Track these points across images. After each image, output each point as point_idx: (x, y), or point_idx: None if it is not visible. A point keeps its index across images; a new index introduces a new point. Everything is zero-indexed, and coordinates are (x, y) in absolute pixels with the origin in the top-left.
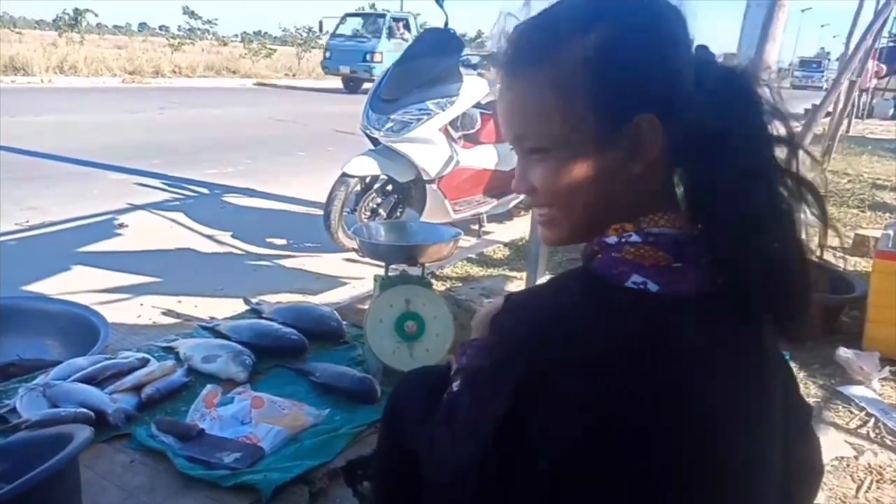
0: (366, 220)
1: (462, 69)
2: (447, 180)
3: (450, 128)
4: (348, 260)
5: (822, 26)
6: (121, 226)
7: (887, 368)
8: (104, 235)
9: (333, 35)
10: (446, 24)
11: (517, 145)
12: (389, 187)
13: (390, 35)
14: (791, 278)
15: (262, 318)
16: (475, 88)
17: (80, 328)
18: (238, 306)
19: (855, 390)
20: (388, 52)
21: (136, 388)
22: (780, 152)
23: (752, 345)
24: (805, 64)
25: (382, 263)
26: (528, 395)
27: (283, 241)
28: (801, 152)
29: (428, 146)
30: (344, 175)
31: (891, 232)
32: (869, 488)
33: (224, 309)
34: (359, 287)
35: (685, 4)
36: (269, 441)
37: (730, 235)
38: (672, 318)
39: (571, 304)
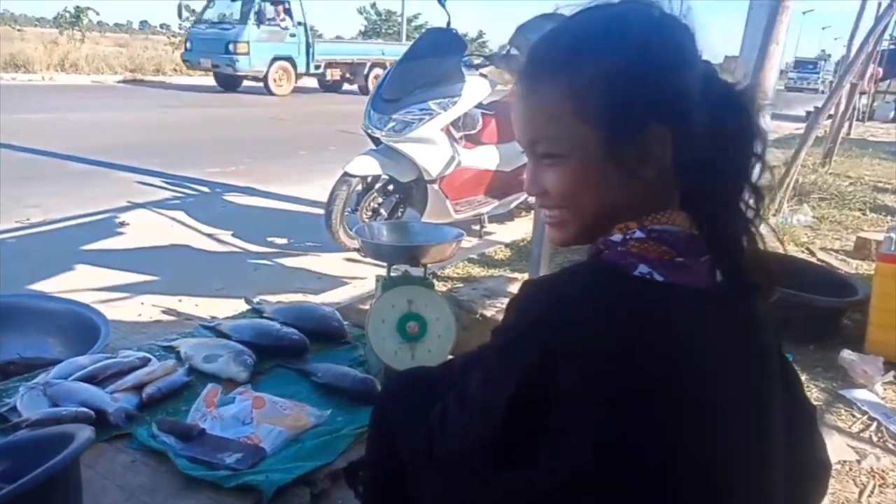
0: (367, 220)
1: (464, 69)
2: (449, 180)
3: (451, 128)
4: (349, 260)
5: (823, 28)
6: (122, 224)
7: (891, 372)
8: (105, 234)
9: (198, 21)
10: (448, 23)
11: (530, 150)
12: (391, 187)
13: (260, 21)
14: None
15: (263, 317)
16: (477, 89)
17: (81, 327)
18: (239, 306)
19: (857, 394)
20: (257, 43)
21: (137, 388)
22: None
23: (753, 339)
24: (800, 65)
25: (384, 264)
26: (537, 376)
27: (284, 241)
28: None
29: (430, 146)
30: (345, 174)
31: (893, 235)
32: (872, 493)
33: (224, 308)
34: (360, 287)
35: (693, 20)
36: (271, 442)
37: (727, 242)
38: (678, 306)
39: (584, 290)
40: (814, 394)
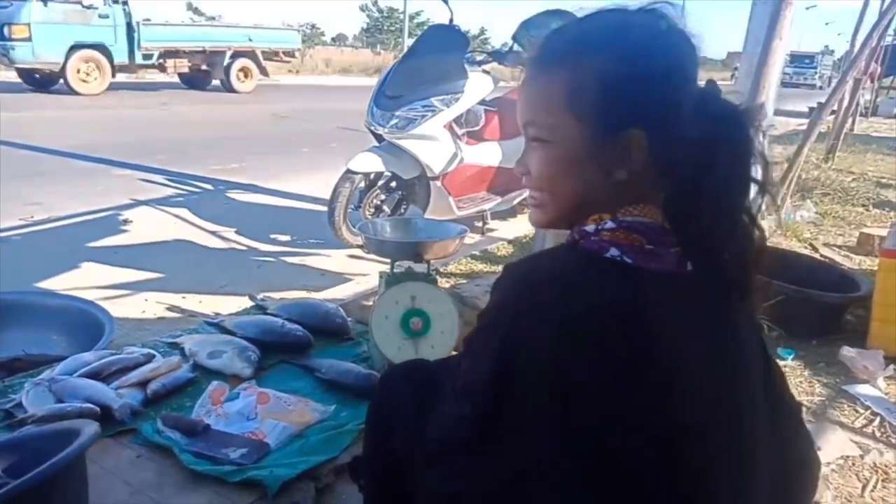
0: (370, 217)
1: (467, 66)
2: (451, 177)
3: (454, 125)
4: (352, 256)
5: (826, 24)
6: (125, 221)
7: (892, 367)
8: (108, 231)
9: None
10: (451, 20)
11: (525, 130)
12: (393, 184)
13: None
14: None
15: (267, 314)
16: (480, 85)
17: (85, 323)
18: (242, 302)
19: (860, 389)
20: (41, 25)
21: (142, 384)
22: (753, 191)
23: (727, 331)
24: (797, 59)
25: (387, 260)
26: (512, 351)
27: (287, 238)
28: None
29: (432, 143)
30: (348, 171)
31: None
32: (875, 487)
33: (228, 305)
34: (363, 283)
35: (698, 38)
36: (275, 437)
37: (702, 245)
38: (646, 289)
39: (554, 272)
40: (816, 389)
